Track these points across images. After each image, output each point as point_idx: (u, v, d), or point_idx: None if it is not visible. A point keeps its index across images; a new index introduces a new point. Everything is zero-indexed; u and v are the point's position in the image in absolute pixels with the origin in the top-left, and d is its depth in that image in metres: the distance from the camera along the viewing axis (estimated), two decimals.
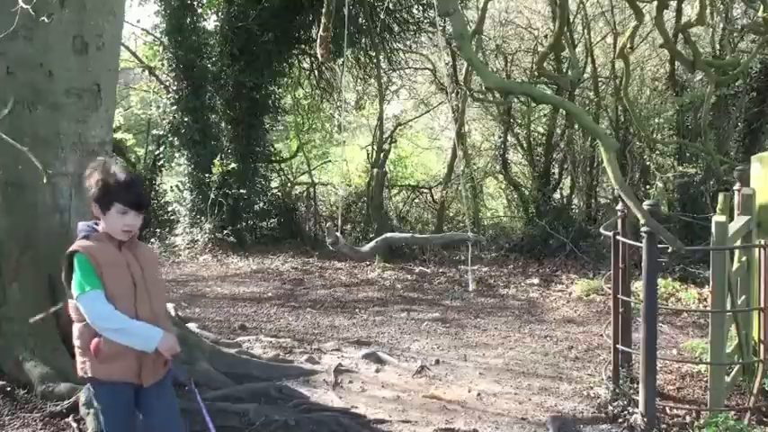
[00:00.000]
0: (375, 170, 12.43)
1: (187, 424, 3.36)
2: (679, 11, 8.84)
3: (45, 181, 3.24)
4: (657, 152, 11.89)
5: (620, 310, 5.00)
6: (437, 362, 5.97)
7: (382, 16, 12.40)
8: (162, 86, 12.61)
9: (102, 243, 2.89)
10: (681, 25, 7.96)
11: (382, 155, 13.19)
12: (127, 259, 2.91)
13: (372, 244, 5.80)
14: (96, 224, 2.95)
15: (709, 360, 4.67)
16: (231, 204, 11.74)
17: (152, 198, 14.14)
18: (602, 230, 5.98)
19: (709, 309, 5.01)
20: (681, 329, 7.09)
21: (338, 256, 10.72)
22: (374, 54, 12.97)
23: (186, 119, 11.53)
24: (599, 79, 12.52)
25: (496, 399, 5.10)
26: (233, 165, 11.58)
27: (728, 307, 4.61)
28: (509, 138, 13.43)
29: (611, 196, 12.42)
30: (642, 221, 4.06)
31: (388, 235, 7.23)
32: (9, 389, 4.35)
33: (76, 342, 2.89)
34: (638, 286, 5.37)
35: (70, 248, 2.83)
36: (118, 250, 2.90)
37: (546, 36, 12.47)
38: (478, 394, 5.17)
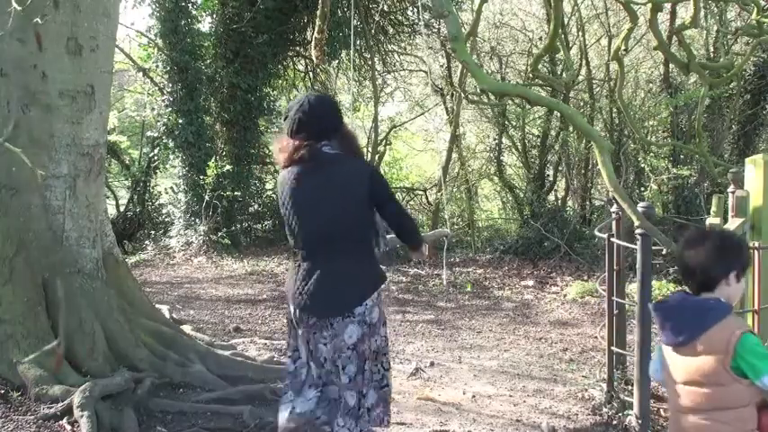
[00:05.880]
0: None
1: None
2: (673, 13, 8.90)
3: (39, 181, 3.17)
4: (652, 154, 11.93)
5: (615, 312, 5.00)
6: (432, 364, 5.96)
7: (377, 18, 12.41)
8: (156, 88, 12.59)
9: None
10: (675, 28, 8.00)
11: (377, 157, 13.19)
12: None
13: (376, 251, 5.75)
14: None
15: None
16: (226, 206, 11.71)
17: (147, 200, 14.15)
18: (596, 232, 6.00)
19: None
20: None
21: None
22: (369, 56, 12.98)
23: (180, 121, 11.51)
24: (593, 81, 12.55)
25: (491, 401, 5.10)
26: (228, 167, 11.56)
27: None
28: (504, 140, 13.44)
29: (605, 198, 12.45)
30: (636, 223, 4.07)
31: (388, 237, 7.14)
32: (2, 391, 4.33)
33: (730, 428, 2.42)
34: (633, 288, 5.39)
35: (738, 331, 2.39)
36: None
37: (540, 38, 12.50)
38: (473, 396, 5.17)
